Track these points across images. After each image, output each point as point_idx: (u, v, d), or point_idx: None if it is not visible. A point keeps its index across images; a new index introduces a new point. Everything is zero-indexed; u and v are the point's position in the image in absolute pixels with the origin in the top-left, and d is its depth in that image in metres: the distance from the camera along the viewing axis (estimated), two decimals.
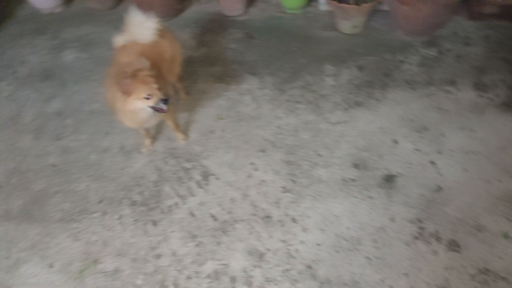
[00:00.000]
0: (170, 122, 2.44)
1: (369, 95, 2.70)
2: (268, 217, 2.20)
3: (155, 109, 2.03)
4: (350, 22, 3.01)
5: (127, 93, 1.95)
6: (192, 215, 2.22)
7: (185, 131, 2.59)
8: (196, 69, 2.97)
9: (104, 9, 3.54)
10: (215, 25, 3.34)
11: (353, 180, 2.31)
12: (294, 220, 2.18)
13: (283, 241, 2.11)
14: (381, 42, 3.02)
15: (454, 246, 2.02)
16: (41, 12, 3.58)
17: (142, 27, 2.13)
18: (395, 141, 2.45)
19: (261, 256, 2.06)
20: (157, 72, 2.10)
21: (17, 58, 3.20)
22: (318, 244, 2.08)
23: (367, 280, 1.95)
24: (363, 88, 2.74)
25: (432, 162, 2.33)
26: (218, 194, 2.31)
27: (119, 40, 2.19)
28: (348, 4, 2.88)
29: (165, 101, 2.01)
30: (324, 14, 3.28)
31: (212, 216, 2.23)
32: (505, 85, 2.64)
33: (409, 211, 2.16)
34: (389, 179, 2.29)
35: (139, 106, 2.00)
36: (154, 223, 2.21)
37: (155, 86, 1.97)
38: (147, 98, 1.97)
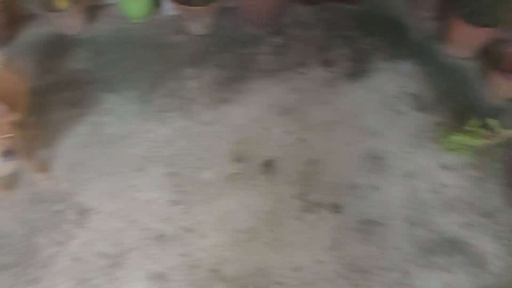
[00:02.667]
0: (28, 164, 2.14)
1: (234, 90, 2.77)
2: (161, 236, 2.10)
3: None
4: (199, 24, 3.04)
5: None
6: (77, 259, 2.00)
7: (47, 169, 2.30)
8: (45, 99, 2.65)
9: None
10: (56, 48, 3.02)
11: (237, 174, 2.35)
12: (189, 230, 2.13)
13: (183, 254, 2.04)
14: (233, 38, 3.12)
15: (336, 208, 2.23)
16: None
17: None
18: (267, 128, 2.57)
19: (163, 277, 1.96)
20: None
21: None
22: (219, 246, 2.08)
23: (270, 263, 2.02)
24: (226, 84, 2.81)
25: (302, 139, 2.52)
26: (102, 228, 2.12)
27: None
28: (195, 5, 2.90)
29: (7, 154, 1.74)
30: (171, 19, 3.24)
31: (100, 253, 2.03)
32: (346, 58, 2.99)
33: (292, 188, 2.30)
34: (269, 164, 2.40)
35: None
36: (35, 281, 1.92)
37: (3, 135, 1.71)
38: None
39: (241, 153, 2.44)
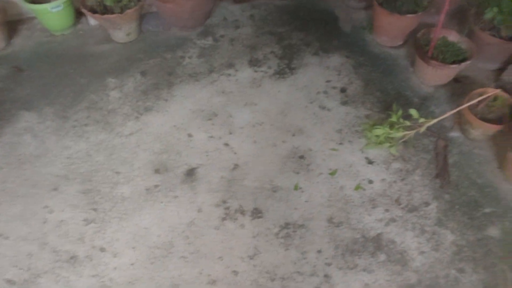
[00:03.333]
0: None
1: (157, 97, 2.68)
2: (73, 257, 2.00)
3: None
4: (122, 31, 2.93)
5: None
6: None
7: None
8: None
9: None
10: None
11: (157, 186, 2.26)
12: (102, 250, 2.03)
13: (95, 275, 1.95)
14: (159, 43, 3.03)
15: (257, 213, 2.15)
16: None
17: None
18: (190, 135, 2.48)
19: None
20: None
21: None
22: (132, 264, 1.99)
23: (186, 278, 1.94)
24: (150, 92, 2.71)
25: (226, 144, 2.44)
26: (11, 254, 2.01)
27: None
28: (112, 14, 2.79)
29: None
30: (96, 28, 3.13)
31: (9, 281, 1.93)
32: (274, 56, 2.92)
33: (213, 196, 2.21)
34: (191, 173, 2.31)
35: None
36: None
37: None
38: None
39: (162, 163, 2.35)
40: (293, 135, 2.47)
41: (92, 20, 3.11)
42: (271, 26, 3.14)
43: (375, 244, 2.04)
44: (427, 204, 2.18)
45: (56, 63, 2.91)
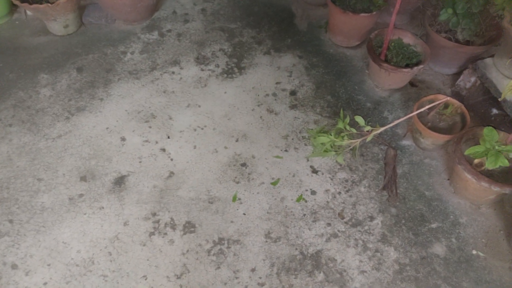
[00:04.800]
0: None
1: (92, 96, 2.46)
2: None
3: None
4: (58, 23, 2.68)
5: None
6: None
7: None
8: None
9: None
10: None
11: (81, 195, 2.06)
12: (14, 267, 1.83)
13: None
14: (100, 37, 2.80)
15: (189, 227, 1.98)
16: None
17: None
18: (123, 139, 2.28)
19: None
20: None
21: None
22: (45, 283, 1.79)
23: None
24: (84, 90, 2.49)
25: (162, 150, 2.25)
26: None
27: None
28: (42, 3, 2.54)
29: None
30: (34, 19, 2.88)
31: None
32: (223, 54, 2.73)
33: (142, 208, 2.03)
34: (120, 182, 2.11)
35: None
36: None
37: None
38: None
39: (90, 170, 2.15)
40: (237, 140, 2.30)
41: (29, 9, 2.85)
42: (223, 22, 2.95)
43: (314, 262, 1.90)
44: (372, 218, 2.04)
45: None
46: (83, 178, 2.12)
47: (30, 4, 2.52)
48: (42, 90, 2.48)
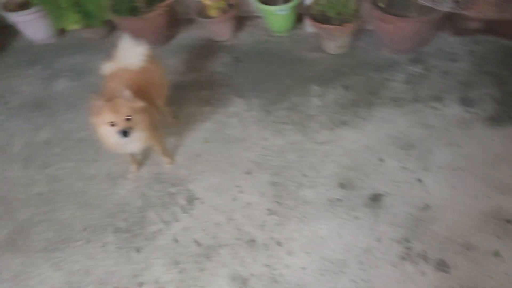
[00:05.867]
0: (157, 147, 2.45)
1: (355, 114, 2.69)
2: (252, 241, 2.16)
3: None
4: (335, 43, 3.04)
5: (94, 114, 1.99)
6: (176, 241, 2.20)
7: (172, 155, 2.60)
8: (185, 93, 3.01)
9: (97, 38, 3.63)
10: (204, 50, 3.39)
11: (339, 200, 2.27)
12: (279, 244, 2.14)
13: (267, 265, 2.06)
14: (366, 61, 3.04)
15: (442, 266, 1.96)
16: (35, 44, 3.68)
17: (132, 54, 2.17)
18: (381, 160, 2.42)
19: (244, 281, 2.01)
20: (146, 98, 2.13)
21: (9, 88, 3.27)
22: (303, 268, 2.04)
23: None
24: (349, 107, 2.74)
25: (419, 180, 2.29)
26: (203, 218, 2.29)
27: (107, 67, 2.23)
28: (331, 25, 2.91)
29: (123, 133, 1.97)
30: (310, 36, 3.32)
31: (196, 241, 2.20)
32: (492, 99, 2.62)
33: (396, 230, 2.11)
34: (376, 199, 2.25)
35: (104, 131, 2.02)
36: (138, 250, 2.18)
37: (123, 115, 1.97)
38: (112, 125, 1.98)
39: (349, 180, 2.35)
40: (502, 193, 2.17)
41: (309, 28, 3.31)
42: (493, 67, 2.83)
43: None
44: None
45: (269, 60, 3.20)
46: (341, 185, 2.34)
47: (322, 23, 2.92)
48: (312, 99, 2.84)
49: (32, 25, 3.56)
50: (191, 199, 2.37)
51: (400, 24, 2.74)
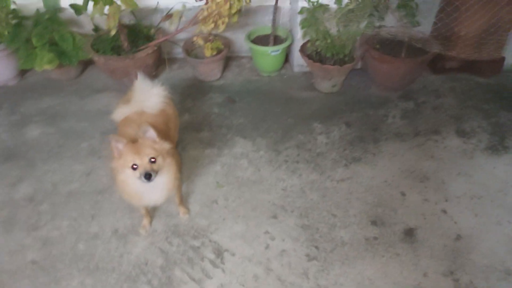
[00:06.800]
0: (177, 196, 2.19)
1: (365, 150, 2.72)
2: None
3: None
4: (330, 82, 3.10)
5: (113, 158, 1.75)
6: None
7: (185, 203, 2.34)
8: (183, 136, 2.79)
9: (66, 79, 3.27)
10: (193, 91, 3.24)
11: (376, 238, 2.21)
12: None
13: None
14: (360, 99, 3.14)
15: None
16: None
17: (150, 96, 1.94)
18: (403, 193, 2.44)
19: None
20: (167, 141, 1.90)
21: None
22: None
23: None
24: (356, 143, 2.77)
25: (444, 211, 2.35)
26: (238, 272, 2.05)
27: (120, 112, 1.96)
28: (326, 64, 2.98)
29: (147, 175, 1.72)
30: (299, 76, 3.37)
31: None
32: (484, 131, 2.85)
33: (439, 263, 2.09)
34: (410, 233, 2.23)
35: (124, 176, 1.77)
36: None
37: (147, 157, 1.74)
38: (134, 168, 1.74)
39: (378, 216, 2.31)
40: None
41: (297, 67, 3.35)
42: (474, 101, 3.11)
43: None
44: None
45: (263, 100, 3.15)
46: (373, 223, 2.29)
47: (322, 63, 2.97)
48: (318, 137, 2.82)
49: None
50: (220, 252, 2.13)
51: (397, 64, 2.91)
